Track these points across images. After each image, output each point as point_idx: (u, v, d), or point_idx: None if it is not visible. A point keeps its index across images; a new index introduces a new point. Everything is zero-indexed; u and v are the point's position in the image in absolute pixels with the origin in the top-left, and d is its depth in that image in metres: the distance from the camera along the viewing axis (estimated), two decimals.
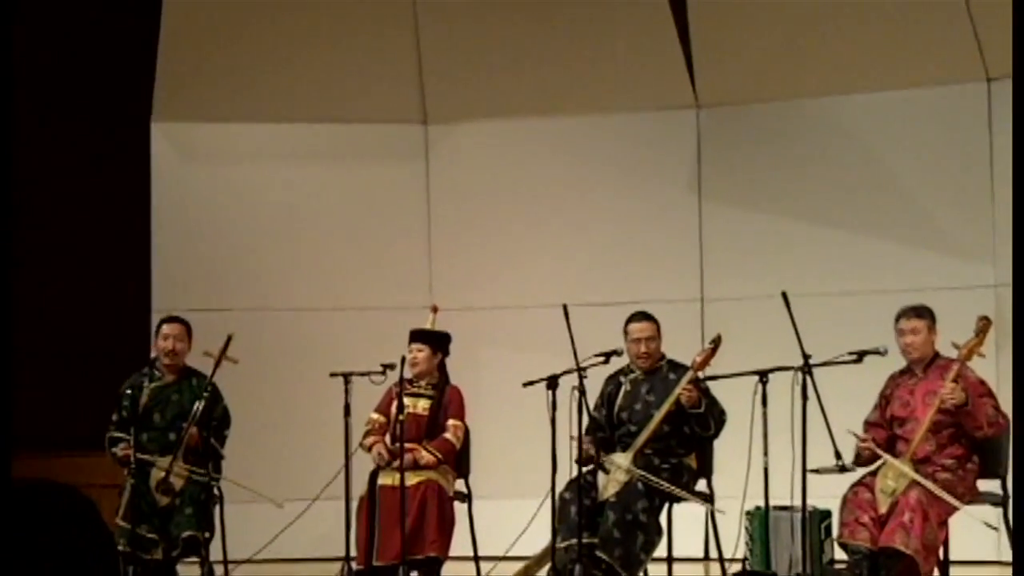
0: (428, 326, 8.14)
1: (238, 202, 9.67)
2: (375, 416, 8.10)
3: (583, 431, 7.30)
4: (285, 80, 9.58)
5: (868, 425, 7.36)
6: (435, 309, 8.23)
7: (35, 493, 2.27)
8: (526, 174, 9.57)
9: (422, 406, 8.03)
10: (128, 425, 7.85)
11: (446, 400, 8.07)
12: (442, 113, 9.70)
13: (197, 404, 7.81)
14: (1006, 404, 7.17)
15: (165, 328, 8.07)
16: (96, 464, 7.87)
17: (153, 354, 8.04)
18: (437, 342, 8.14)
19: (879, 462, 7.12)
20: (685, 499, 7.47)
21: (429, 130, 9.74)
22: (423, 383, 8.08)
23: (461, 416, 8.08)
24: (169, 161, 9.63)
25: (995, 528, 7.04)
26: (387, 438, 8.01)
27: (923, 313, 7.24)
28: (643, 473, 7.47)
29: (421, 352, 8.04)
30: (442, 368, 8.16)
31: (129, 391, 7.94)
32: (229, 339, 7.83)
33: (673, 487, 7.45)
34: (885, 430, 7.31)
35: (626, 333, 7.84)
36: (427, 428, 8.01)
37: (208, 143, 9.73)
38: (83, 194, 9.71)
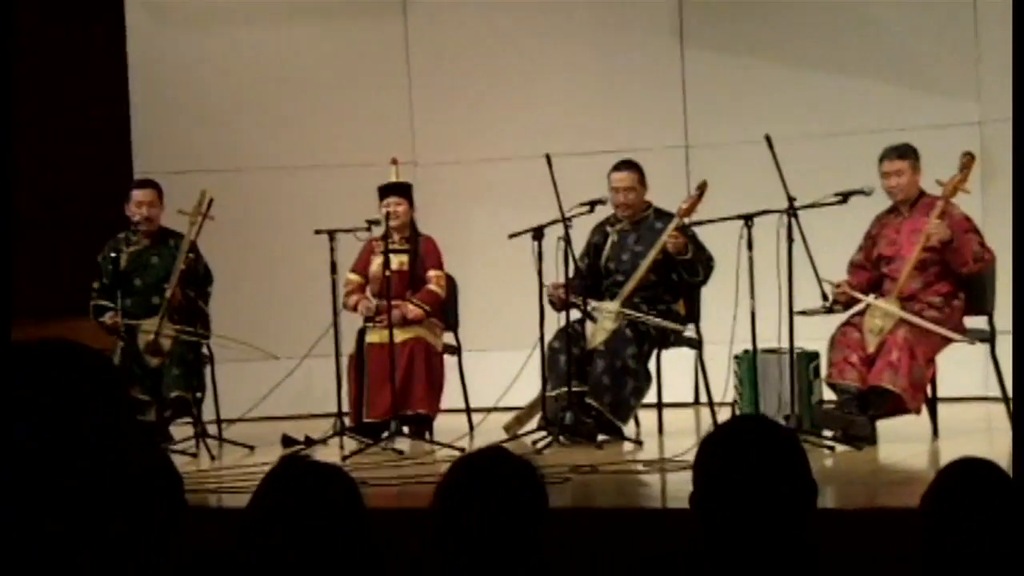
0: (392, 179, 8.02)
1: (215, 63, 9.56)
2: (352, 276, 8.04)
3: (568, 280, 7.33)
4: None
5: (852, 266, 7.35)
6: (395, 162, 8.07)
7: (43, 352, 2.22)
8: (506, 25, 9.45)
9: (400, 261, 7.95)
10: (111, 291, 7.84)
11: (423, 252, 8.02)
12: None
13: (178, 263, 7.79)
14: (991, 239, 7.18)
15: (136, 194, 7.99)
16: (81, 329, 7.84)
17: (136, 217, 7.97)
18: (410, 194, 8.06)
19: (861, 304, 7.13)
20: (669, 329, 7.52)
21: None
22: (398, 238, 7.99)
23: (440, 266, 8.04)
24: (144, 24, 9.51)
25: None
26: (368, 294, 8.00)
27: (905, 153, 7.20)
28: (632, 312, 7.49)
29: (400, 206, 7.93)
30: (411, 221, 8.09)
31: (111, 255, 7.89)
32: (208, 200, 7.77)
33: (661, 320, 7.49)
34: (868, 271, 7.31)
35: (609, 182, 7.81)
36: (408, 282, 7.98)
37: (183, 5, 9.59)
38: (59, 60, 9.57)
